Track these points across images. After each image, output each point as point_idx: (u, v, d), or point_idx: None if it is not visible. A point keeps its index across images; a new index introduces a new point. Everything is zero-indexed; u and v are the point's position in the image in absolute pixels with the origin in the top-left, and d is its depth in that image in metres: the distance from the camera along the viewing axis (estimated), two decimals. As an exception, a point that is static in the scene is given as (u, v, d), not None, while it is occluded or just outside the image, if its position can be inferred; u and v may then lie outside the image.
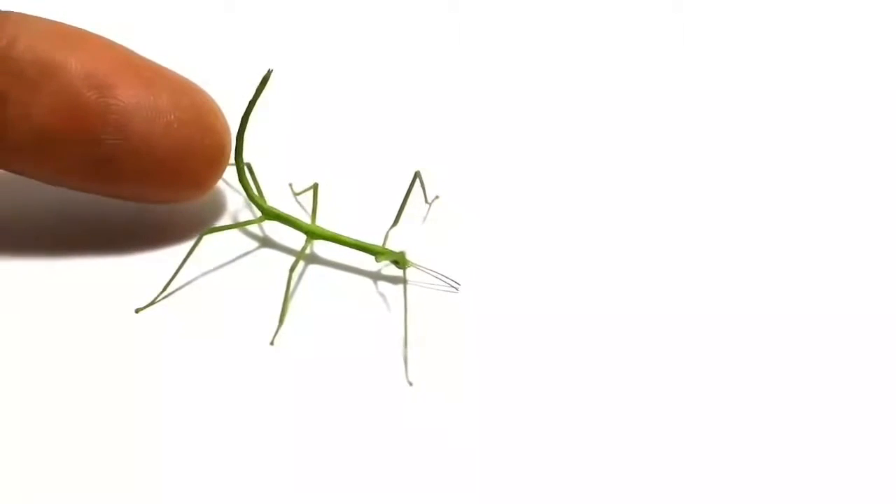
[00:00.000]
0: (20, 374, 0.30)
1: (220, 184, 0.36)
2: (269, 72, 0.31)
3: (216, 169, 0.33)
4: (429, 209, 0.36)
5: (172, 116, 0.32)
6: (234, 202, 0.36)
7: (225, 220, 0.35)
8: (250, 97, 0.32)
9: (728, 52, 0.43)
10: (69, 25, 0.32)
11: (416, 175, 0.34)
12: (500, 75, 0.42)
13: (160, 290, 0.32)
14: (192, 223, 0.35)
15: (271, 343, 0.31)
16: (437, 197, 0.36)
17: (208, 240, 0.34)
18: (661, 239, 0.35)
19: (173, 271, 0.33)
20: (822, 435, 0.29)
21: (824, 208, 0.37)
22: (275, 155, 0.38)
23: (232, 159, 0.36)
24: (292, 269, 0.32)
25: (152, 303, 0.32)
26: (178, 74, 0.33)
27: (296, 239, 0.35)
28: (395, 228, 0.34)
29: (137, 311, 0.32)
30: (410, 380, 0.30)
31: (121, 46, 0.32)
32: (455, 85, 0.41)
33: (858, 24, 0.45)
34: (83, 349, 0.31)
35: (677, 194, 0.37)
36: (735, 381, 0.31)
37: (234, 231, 0.35)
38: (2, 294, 0.32)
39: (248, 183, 0.33)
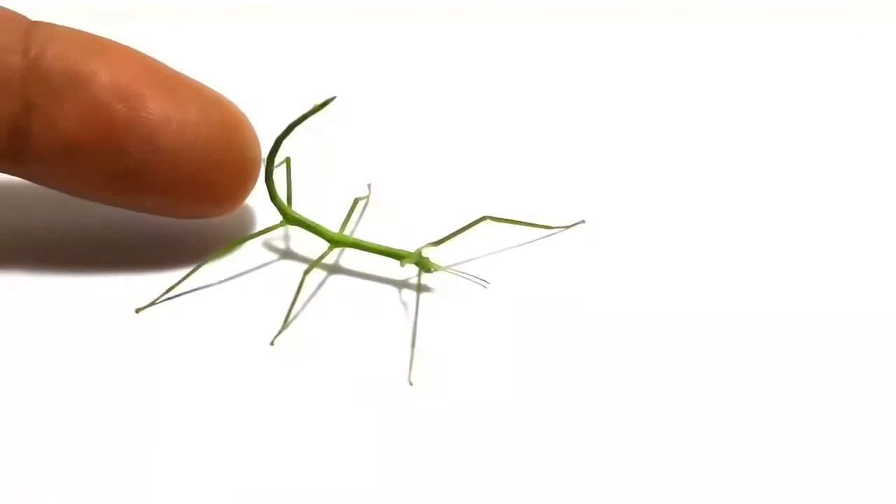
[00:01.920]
0: (28, 371, 0.30)
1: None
2: (332, 98, 0.30)
3: (246, 184, 0.33)
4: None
5: (202, 130, 0.31)
6: (256, 206, 0.36)
7: (245, 224, 0.35)
8: (304, 111, 0.31)
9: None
10: (98, 36, 0.32)
11: (483, 218, 0.33)
12: (523, 84, 0.41)
13: (163, 291, 0.32)
14: (211, 223, 0.35)
15: (271, 343, 0.31)
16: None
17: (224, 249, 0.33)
18: (672, 245, 0.35)
19: (183, 273, 0.32)
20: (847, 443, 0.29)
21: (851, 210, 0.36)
22: (299, 162, 0.37)
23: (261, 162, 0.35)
24: (307, 273, 0.31)
25: (152, 303, 0.32)
26: (206, 87, 0.33)
27: (316, 246, 0.34)
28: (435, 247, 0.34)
29: (137, 310, 0.32)
30: (412, 380, 0.30)
31: (149, 58, 0.32)
32: (482, 92, 0.41)
33: (863, 26, 0.45)
34: (88, 350, 0.31)
35: (697, 200, 0.36)
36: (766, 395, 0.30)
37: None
38: (22, 302, 0.32)
39: (273, 185, 0.32)
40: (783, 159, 0.38)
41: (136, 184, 0.31)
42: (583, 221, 0.35)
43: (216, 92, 0.33)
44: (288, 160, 0.34)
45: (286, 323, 0.31)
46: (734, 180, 0.37)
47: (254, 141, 0.33)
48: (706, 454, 0.28)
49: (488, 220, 0.33)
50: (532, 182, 0.37)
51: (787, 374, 0.30)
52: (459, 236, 0.34)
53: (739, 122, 0.39)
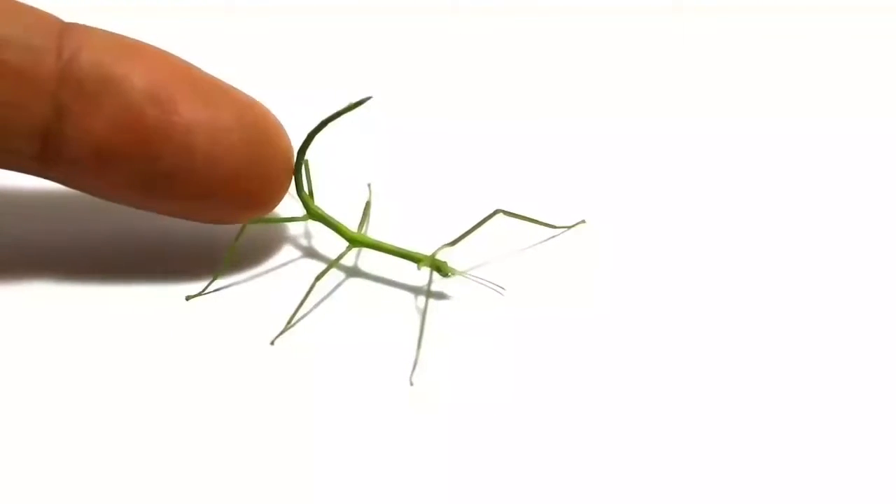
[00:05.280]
0: (31, 371, 0.30)
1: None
2: (367, 98, 0.30)
3: (280, 189, 0.32)
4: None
5: (236, 135, 0.31)
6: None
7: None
8: (335, 110, 0.31)
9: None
10: (132, 39, 0.32)
11: (496, 212, 0.33)
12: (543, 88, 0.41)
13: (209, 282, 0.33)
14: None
15: (271, 343, 0.31)
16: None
17: (246, 234, 0.34)
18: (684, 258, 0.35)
19: (200, 272, 0.33)
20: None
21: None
22: (322, 159, 0.38)
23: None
24: (318, 278, 0.31)
25: (202, 293, 0.32)
26: (240, 91, 0.32)
27: (334, 244, 0.34)
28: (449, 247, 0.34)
29: (188, 298, 0.32)
30: (413, 381, 0.30)
31: (183, 61, 0.32)
32: (488, 90, 0.41)
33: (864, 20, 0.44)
34: (92, 346, 0.31)
35: (710, 208, 0.36)
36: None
37: (275, 229, 0.35)
38: (33, 303, 0.32)
39: (301, 180, 0.33)
40: (786, 160, 0.37)
41: (168, 188, 0.31)
42: (583, 221, 0.35)
43: (250, 96, 0.32)
44: (306, 162, 0.34)
45: (289, 324, 0.31)
46: (736, 180, 0.37)
47: (287, 147, 0.32)
48: (712, 454, 0.29)
49: (501, 214, 0.33)
50: (541, 181, 0.37)
51: (787, 372, 0.30)
52: (473, 236, 0.33)
53: (742, 122, 0.39)
